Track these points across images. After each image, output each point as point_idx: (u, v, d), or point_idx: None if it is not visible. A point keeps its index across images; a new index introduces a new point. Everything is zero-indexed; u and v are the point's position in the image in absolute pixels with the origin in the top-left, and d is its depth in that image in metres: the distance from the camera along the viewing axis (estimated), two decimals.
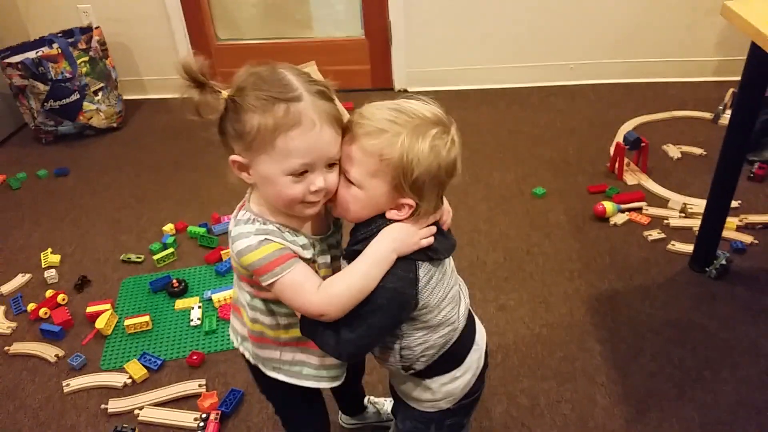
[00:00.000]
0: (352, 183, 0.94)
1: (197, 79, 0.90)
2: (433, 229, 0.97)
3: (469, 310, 1.12)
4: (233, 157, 0.94)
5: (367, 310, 0.94)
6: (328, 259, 1.04)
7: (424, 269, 0.96)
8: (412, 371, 1.06)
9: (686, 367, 1.66)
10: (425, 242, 0.96)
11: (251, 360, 1.12)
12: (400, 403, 1.18)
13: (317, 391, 1.23)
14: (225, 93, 0.91)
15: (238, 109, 0.90)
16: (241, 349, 1.14)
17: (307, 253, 0.98)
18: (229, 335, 1.31)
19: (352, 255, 0.97)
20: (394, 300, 0.94)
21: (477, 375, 1.11)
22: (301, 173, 0.91)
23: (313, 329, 0.98)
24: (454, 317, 1.04)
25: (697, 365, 1.66)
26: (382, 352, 1.06)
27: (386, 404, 1.56)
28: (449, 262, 1.05)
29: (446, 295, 1.01)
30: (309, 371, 1.11)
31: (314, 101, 0.90)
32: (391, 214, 0.94)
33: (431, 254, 0.96)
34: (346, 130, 0.94)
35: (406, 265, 0.94)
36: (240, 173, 0.95)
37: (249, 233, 0.94)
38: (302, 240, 0.98)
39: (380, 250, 0.93)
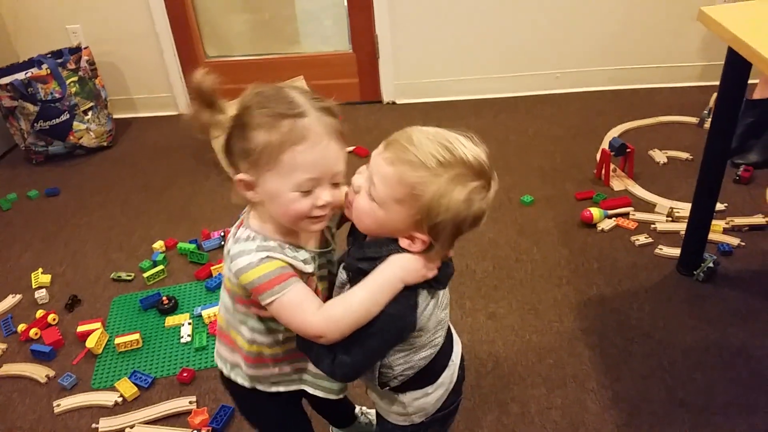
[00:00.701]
0: (375, 199, 0.92)
1: (208, 98, 0.91)
2: (440, 262, 0.96)
3: (448, 327, 1.11)
4: (240, 176, 0.94)
5: (366, 334, 0.94)
6: (326, 272, 1.05)
7: (423, 296, 0.96)
8: (387, 387, 1.06)
9: (676, 370, 1.66)
10: (431, 274, 0.95)
11: (246, 384, 1.11)
12: (378, 414, 1.18)
13: (301, 409, 1.24)
14: (231, 112, 0.92)
15: (244, 127, 0.90)
16: (233, 376, 1.12)
17: (309, 268, 0.98)
18: None
19: (356, 271, 0.95)
20: (394, 325, 0.94)
21: (450, 389, 1.10)
22: (307, 189, 0.92)
23: (309, 346, 0.98)
24: (438, 340, 1.04)
25: (688, 368, 1.67)
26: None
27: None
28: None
29: (438, 320, 1.02)
30: (308, 377, 1.11)
31: (319, 117, 0.91)
32: (404, 244, 0.93)
33: (433, 283, 0.96)
34: (388, 147, 0.92)
35: (407, 291, 0.94)
36: (246, 192, 0.95)
37: (250, 250, 0.94)
38: (303, 255, 0.98)
39: (389, 278, 0.92)
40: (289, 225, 0.97)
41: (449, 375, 1.10)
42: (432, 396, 1.08)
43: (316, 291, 1.02)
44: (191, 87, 0.92)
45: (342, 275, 1.00)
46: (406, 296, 0.94)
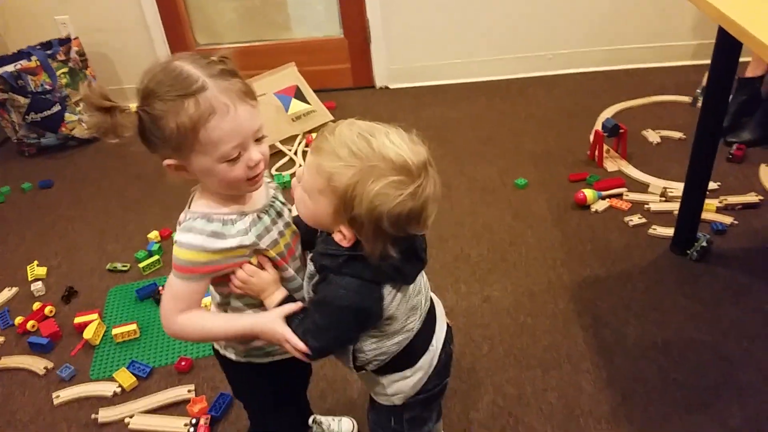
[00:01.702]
0: (304, 189, 0.94)
1: (103, 105, 0.91)
2: (300, 346, 0.97)
3: (432, 309, 1.12)
4: (166, 162, 0.95)
5: (333, 323, 0.96)
6: (281, 226, 1.05)
7: (388, 289, 0.96)
8: (363, 370, 1.07)
9: (670, 349, 1.68)
10: (287, 347, 0.99)
11: (241, 359, 1.13)
12: (372, 400, 1.19)
13: (295, 389, 1.26)
14: (133, 107, 0.91)
15: (151, 118, 0.90)
16: (228, 353, 1.14)
17: (249, 238, 0.98)
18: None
19: (320, 267, 0.97)
20: (360, 316, 0.96)
21: (431, 373, 1.10)
22: (235, 156, 0.93)
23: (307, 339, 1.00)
24: (411, 326, 1.04)
25: (681, 347, 1.68)
26: (338, 353, 1.06)
27: (332, 424, 1.54)
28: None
29: (410, 307, 1.02)
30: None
31: (219, 84, 0.90)
32: (336, 238, 0.93)
33: (398, 278, 0.96)
34: (316, 137, 0.93)
35: (372, 285, 0.94)
36: (178, 173, 0.96)
37: (190, 228, 0.97)
38: (246, 222, 0.99)
39: (249, 329, 1.02)
40: (231, 192, 0.99)
41: (429, 359, 1.10)
42: (410, 379, 1.09)
43: (288, 252, 1.05)
44: (84, 102, 0.93)
45: (310, 266, 1.01)
46: (371, 289, 0.94)
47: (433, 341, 1.11)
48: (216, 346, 1.16)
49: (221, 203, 1.00)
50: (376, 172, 0.86)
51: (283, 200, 1.09)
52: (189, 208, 1.02)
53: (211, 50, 3.26)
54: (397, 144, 0.88)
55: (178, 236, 0.98)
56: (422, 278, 1.07)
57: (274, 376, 1.18)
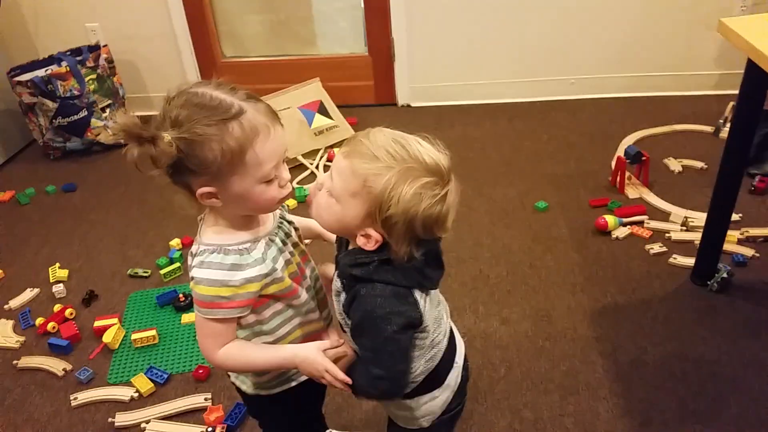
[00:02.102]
0: (332, 194, 0.95)
1: (142, 135, 0.89)
2: (341, 376, 0.99)
3: (451, 328, 1.12)
4: (202, 189, 0.93)
5: (385, 339, 0.95)
6: (290, 247, 1.06)
7: (417, 294, 0.97)
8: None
9: (689, 380, 1.67)
10: (328, 378, 1.00)
11: (250, 391, 1.14)
12: (389, 418, 1.19)
13: (310, 394, 1.24)
14: (167, 136, 0.89)
15: (190, 145, 0.89)
16: (238, 383, 1.16)
17: (265, 268, 0.99)
18: None
19: (349, 278, 0.97)
20: (404, 322, 0.95)
21: (455, 390, 1.11)
22: (272, 176, 0.95)
23: (350, 375, 1.01)
24: (439, 338, 1.05)
25: (700, 378, 1.67)
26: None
27: None
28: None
29: (434, 317, 1.03)
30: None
31: (253, 107, 0.92)
32: (360, 242, 0.94)
33: (425, 283, 0.97)
34: (347, 142, 0.95)
35: (403, 290, 0.95)
36: (209, 201, 0.96)
37: (210, 265, 0.97)
38: (260, 249, 0.99)
39: (289, 361, 1.02)
40: (261, 212, 1.01)
41: (454, 377, 1.10)
42: (439, 399, 1.09)
43: (300, 270, 1.06)
44: (120, 133, 0.90)
45: (336, 283, 1.01)
46: (404, 293, 0.95)
47: (457, 357, 1.12)
48: (245, 389, 1.15)
49: (234, 231, 1.00)
50: (413, 173, 0.88)
51: (289, 219, 1.10)
52: (200, 237, 1.01)
53: (236, 63, 3.30)
54: (429, 149, 0.92)
55: (197, 273, 0.97)
56: (437, 294, 1.08)
57: (288, 404, 1.18)
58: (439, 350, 1.05)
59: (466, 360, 1.15)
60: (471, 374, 1.20)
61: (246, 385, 1.14)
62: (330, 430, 1.49)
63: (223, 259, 0.96)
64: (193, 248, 1.01)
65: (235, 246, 0.98)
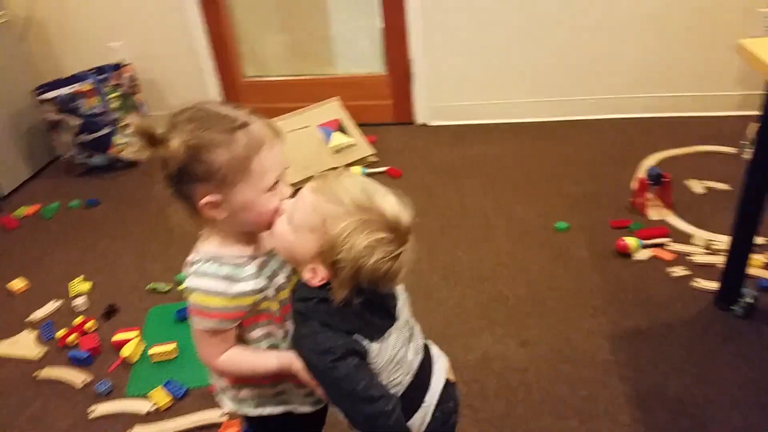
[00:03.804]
0: (291, 223, 0.96)
1: (155, 136, 0.92)
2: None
3: (427, 364, 1.09)
4: (207, 199, 0.95)
5: (326, 378, 0.97)
6: (287, 271, 1.07)
7: (361, 339, 0.97)
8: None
9: (712, 407, 1.64)
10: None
11: (233, 407, 1.15)
12: None
13: (308, 422, 1.24)
14: (177, 138, 0.92)
15: (198, 152, 0.92)
16: (224, 401, 1.16)
17: (259, 283, 1.00)
18: None
19: (294, 311, 1.01)
20: (342, 354, 0.94)
21: (423, 431, 1.07)
22: (273, 186, 0.97)
23: (357, 425, 1.01)
24: (398, 379, 1.03)
25: (724, 405, 1.64)
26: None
27: None
28: (396, 327, 1.03)
29: (392, 359, 1.01)
30: (292, 396, 1.13)
31: (257, 120, 0.96)
32: (306, 275, 0.96)
33: (367, 329, 0.98)
34: (318, 178, 0.96)
35: (339, 333, 0.95)
36: (211, 213, 0.97)
37: (204, 275, 0.99)
38: (254, 266, 1.01)
39: (289, 364, 1.03)
40: (259, 229, 1.01)
41: (420, 416, 1.06)
42: None
43: (282, 309, 1.06)
44: (134, 132, 0.93)
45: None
46: (340, 334, 0.95)
47: (427, 398, 1.07)
48: (228, 408, 1.16)
49: (231, 245, 1.01)
50: (372, 225, 0.90)
51: None
52: (196, 248, 1.03)
53: (257, 82, 3.35)
54: (393, 204, 0.93)
55: (191, 282, 0.99)
56: (410, 330, 1.07)
57: (277, 426, 1.18)
58: (397, 390, 1.03)
59: (447, 400, 1.10)
60: (457, 415, 1.14)
61: (229, 404, 1.15)
62: None
63: (218, 270, 0.98)
64: (189, 257, 1.04)
65: (230, 258, 1.00)
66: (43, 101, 2.99)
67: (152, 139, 0.93)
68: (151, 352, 1.92)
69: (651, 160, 2.80)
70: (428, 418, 1.08)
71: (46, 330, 2.08)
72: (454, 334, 1.93)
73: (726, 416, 1.61)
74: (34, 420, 1.77)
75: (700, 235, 2.27)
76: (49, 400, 1.83)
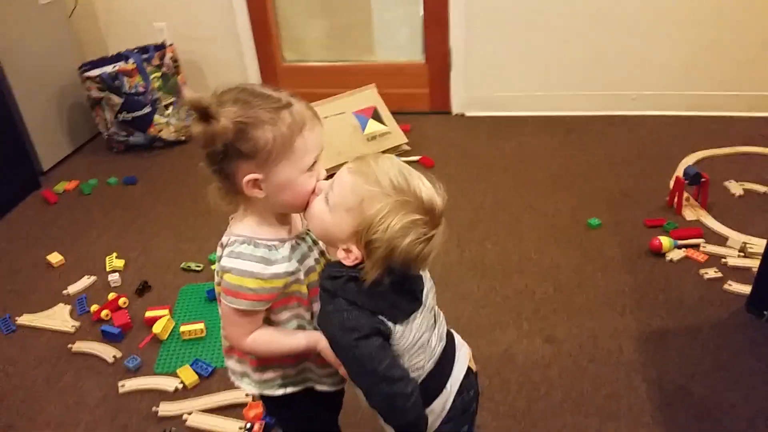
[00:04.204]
0: (327, 203, 0.97)
1: (209, 111, 0.93)
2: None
3: (450, 351, 1.11)
4: (250, 176, 0.96)
5: (349, 355, 0.98)
6: (316, 254, 1.08)
7: (386, 320, 0.98)
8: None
9: (736, 413, 1.61)
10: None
11: (255, 391, 1.16)
12: None
13: (327, 402, 1.26)
14: (228, 114, 0.93)
15: (246, 129, 0.94)
16: (243, 386, 1.17)
17: (291, 266, 1.02)
18: None
19: (322, 288, 1.02)
20: (366, 333, 0.96)
21: (443, 417, 1.08)
22: (312, 168, 0.99)
23: (375, 404, 1.02)
24: (419, 363, 1.04)
25: (749, 412, 1.61)
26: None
27: None
28: (421, 312, 1.04)
29: (415, 342, 1.02)
30: (313, 375, 1.15)
31: (298, 102, 0.98)
32: (340, 255, 0.97)
33: (393, 311, 0.99)
34: (356, 159, 0.98)
35: (365, 312, 0.97)
36: (252, 191, 0.98)
37: (240, 256, 1.00)
38: (287, 249, 1.03)
39: (315, 343, 1.06)
40: (295, 210, 1.04)
41: (441, 403, 1.07)
42: None
43: (310, 292, 1.07)
44: (188, 106, 0.94)
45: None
46: (366, 313, 0.96)
47: (448, 385, 1.09)
48: (251, 391, 1.17)
49: (264, 228, 1.03)
50: (407, 207, 0.92)
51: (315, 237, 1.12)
52: (230, 229, 1.05)
53: (296, 67, 3.38)
54: (429, 188, 0.95)
55: (227, 263, 1.00)
56: (434, 316, 1.08)
57: (298, 407, 1.20)
58: (419, 374, 1.04)
59: (467, 389, 1.12)
60: (477, 404, 1.16)
61: (251, 387, 1.16)
62: None
63: (254, 251, 1.00)
64: (223, 239, 1.05)
65: (264, 241, 1.01)
66: (86, 78, 3.06)
67: (206, 114, 0.93)
68: (181, 329, 1.97)
69: (690, 160, 2.75)
70: (449, 405, 1.09)
71: (80, 304, 2.14)
72: (479, 327, 1.93)
73: (750, 424, 1.58)
74: (67, 391, 1.83)
75: (735, 237, 2.22)
76: (81, 372, 1.89)
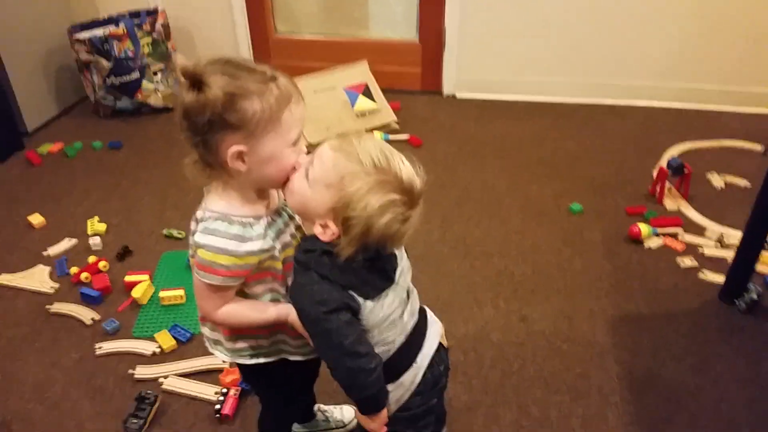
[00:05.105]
0: (308, 178, 0.97)
1: (200, 79, 0.92)
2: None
3: (421, 326, 1.13)
4: (235, 147, 0.95)
5: (317, 328, 1.00)
6: (292, 229, 1.09)
7: (356, 295, 0.99)
8: None
9: (703, 397, 1.65)
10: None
11: (227, 359, 1.18)
12: None
13: (301, 371, 1.27)
14: (216, 87, 0.92)
15: (234, 99, 0.92)
16: (217, 353, 1.19)
17: (266, 243, 1.02)
18: None
19: (296, 261, 1.03)
20: (334, 307, 0.98)
21: (412, 390, 1.11)
22: (295, 143, 0.99)
23: (338, 377, 1.04)
24: (390, 338, 1.06)
25: (715, 396, 1.65)
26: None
27: (335, 412, 1.56)
28: (393, 289, 1.05)
29: (385, 318, 1.04)
30: (287, 347, 1.17)
31: (282, 76, 0.98)
32: (317, 230, 0.98)
33: (363, 288, 1.00)
34: (339, 137, 0.98)
35: (335, 285, 0.98)
36: (235, 164, 0.97)
37: (214, 232, 1.00)
38: (262, 226, 1.03)
39: (286, 315, 1.07)
40: (274, 185, 1.03)
41: (410, 376, 1.10)
42: (391, 394, 1.10)
43: (284, 267, 1.07)
44: (180, 73, 0.94)
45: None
46: (336, 287, 0.98)
47: (418, 359, 1.11)
48: (224, 358, 1.19)
49: (241, 204, 1.02)
50: (387, 187, 0.93)
51: (291, 212, 1.12)
52: (205, 204, 1.05)
53: (288, 39, 3.33)
54: (408, 168, 0.96)
55: (201, 239, 1.00)
56: (407, 293, 1.10)
57: (272, 375, 1.21)
58: (389, 348, 1.07)
59: (438, 364, 1.14)
60: (446, 379, 1.19)
61: (223, 355, 1.18)
62: (318, 404, 1.54)
63: (228, 228, 1.00)
64: (198, 213, 1.05)
65: (239, 217, 1.01)
66: (76, 41, 3.02)
67: (198, 83, 0.92)
68: (161, 294, 1.97)
69: (674, 151, 2.77)
70: (418, 379, 1.12)
71: (60, 266, 2.14)
72: (458, 304, 1.96)
73: (715, 407, 1.62)
74: (43, 351, 1.84)
75: (713, 228, 2.25)
76: (58, 333, 1.90)
